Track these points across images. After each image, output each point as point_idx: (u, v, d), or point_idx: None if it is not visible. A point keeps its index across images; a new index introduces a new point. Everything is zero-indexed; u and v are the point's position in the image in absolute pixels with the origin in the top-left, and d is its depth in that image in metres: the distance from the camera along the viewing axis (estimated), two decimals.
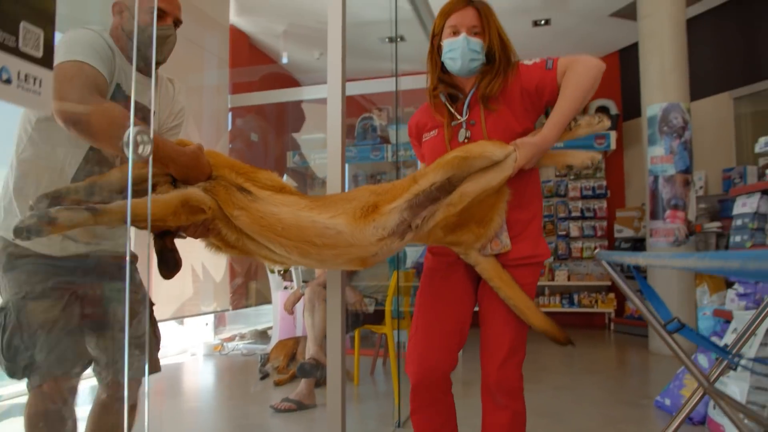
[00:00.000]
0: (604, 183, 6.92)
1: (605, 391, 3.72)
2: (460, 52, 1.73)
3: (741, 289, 3.11)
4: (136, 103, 1.70)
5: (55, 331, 1.58)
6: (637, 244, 6.31)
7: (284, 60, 6.64)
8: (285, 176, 6.14)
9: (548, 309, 6.61)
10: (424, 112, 1.93)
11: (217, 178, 1.53)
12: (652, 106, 4.88)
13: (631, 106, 6.57)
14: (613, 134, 6.33)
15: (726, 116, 5.71)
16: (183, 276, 4.53)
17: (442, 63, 1.81)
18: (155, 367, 1.83)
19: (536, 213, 1.82)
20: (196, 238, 1.54)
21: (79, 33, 1.53)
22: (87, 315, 1.72)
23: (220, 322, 5.86)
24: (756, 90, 5.48)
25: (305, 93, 6.16)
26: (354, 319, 3.52)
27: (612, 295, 6.65)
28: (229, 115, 5.38)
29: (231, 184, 1.53)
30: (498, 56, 1.75)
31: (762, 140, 3.24)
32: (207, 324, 5.52)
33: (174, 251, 1.53)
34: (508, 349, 1.74)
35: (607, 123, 1.75)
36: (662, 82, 4.84)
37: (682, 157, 4.80)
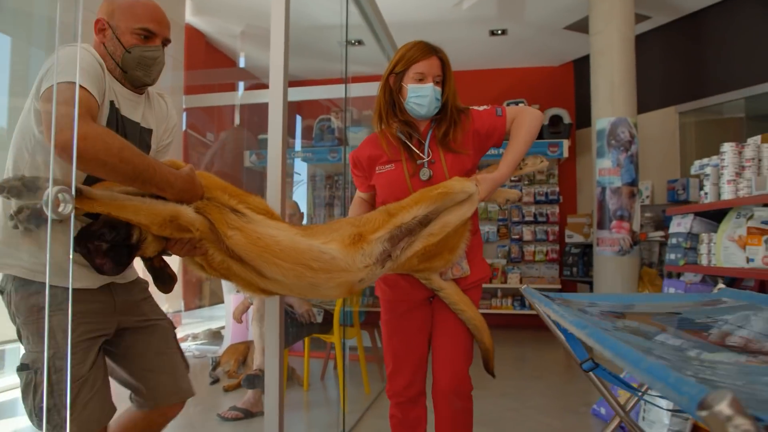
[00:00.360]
0: (557, 189, 7.10)
1: (548, 397, 3.85)
2: (428, 100, 1.89)
3: (672, 290, 3.27)
4: (135, 124, 1.65)
5: (88, 385, 1.53)
6: (586, 250, 6.50)
7: (242, 60, 6.58)
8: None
9: (500, 311, 6.76)
10: (374, 145, 2.03)
11: (210, 198, 1.53)
12: (601, 120, 5.04)
13: (584, 114, 6.75)
14: (566, 142, 6.49)
15: (672, 129, 5.94)
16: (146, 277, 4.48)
17: (396, 101, 1.95)
18: (190, 391, 1.81)
19: (480, 238, 2.06)
20: (181, 255, 1.53)
21: (72, 51, 1.43)
22: (120, 353, 1.69)
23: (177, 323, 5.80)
24: (700, 106, 5.71)
25: (260, 96, 6.13)
26: (303, 329, 3.55)
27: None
28: (184, 115, 5.33)
29: (224, 205, 1.53)
30: (450, 105, 1.94)
31: (697, 163, 3.39)
32: None
33: (164, 267, 1.57)
34: (464, 358, 1.98)
35: (546, 163, 2.03)
36: (611, 97, 4.99)
37: (629, 170, 4.97)
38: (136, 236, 1.43)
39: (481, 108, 2.00)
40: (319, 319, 3.56)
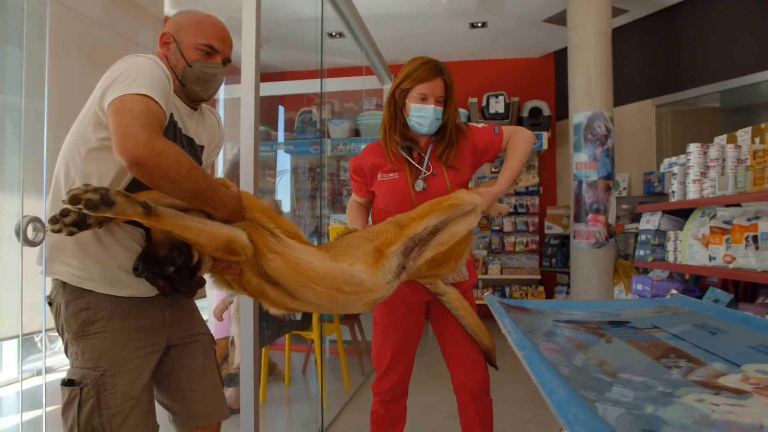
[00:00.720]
0: (537, 180, 7.18)
1: (522, 389, 3.94)
2: (429, 120, 2.02)
3: (640, 287, 3.37)
4: (191, 140, 1.64)
5: (138, 408, 1.49)
6: (565, 241, 6.60)
7: None
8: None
9: (480, 302, 6.84)
10: (377, 153, 2.14)
11: (250, 220, 1.56)
12: (578, 114, 5.10)
13: (564, 106, 6.80)
14: (545, 134, 6.56)
15: (649, 122, 6.02)
16: None
17: (400, 117, 2.08)
18: (226, 412, 1.76)
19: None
20: (214, 273, 1.54)
21: (143, 62, 1.41)
22: (163, 370, 1.64)
23: None
24: (676, 99, 5.80)
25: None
26: (282, 326, 3.61)
27: (542, 288, 6.94)
28: None
29: (263, 227, 1.57)
30: (450, 125, 2.07)
31: (666, 161, 3.47)
32: None
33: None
34: (480, 359, 2.13)
35: (537, 179, 2.19)
36: (588, 91, 5.05)
37: (605, 163, 5.05)
38: (196, 258, 1.43)
39: (480, 125, 2.16)
40: (298, 316, 3.62)
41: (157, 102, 1.35)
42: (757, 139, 2.90)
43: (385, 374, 2.19)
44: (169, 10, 5.70)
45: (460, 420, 2.23)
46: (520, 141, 2.11)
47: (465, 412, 2.19)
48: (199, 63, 1.57)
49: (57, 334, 1.55)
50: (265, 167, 6.46)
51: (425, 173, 2.07)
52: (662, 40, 5.87)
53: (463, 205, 1.89)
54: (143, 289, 1.50)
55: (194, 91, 1.59)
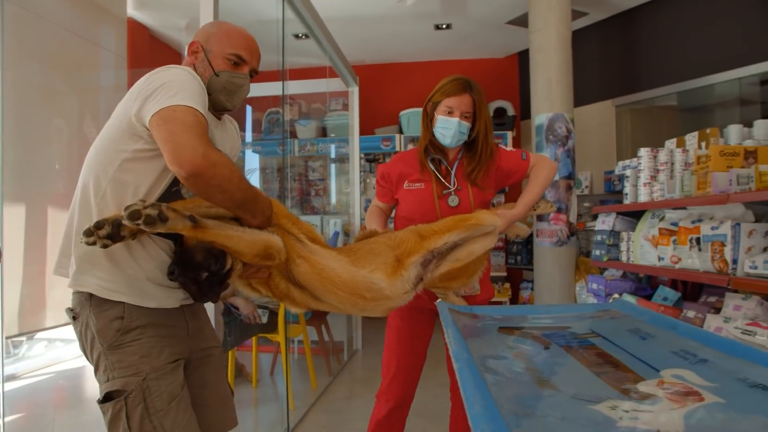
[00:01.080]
0: (554, 209, 7.29)
1: None
2: (452, 132, 2.11)
3: (595, 286, 3.49)
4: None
5: (182, 403, 1.49)
6: (530, 239, 6.73)
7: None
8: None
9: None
10: (406, 163, 2.25)
11: (277, 225, 1.59)
12: (540, 116, 5.22)
13: (528, 106, 6.93)
14: (510, 134, 6.68)
15: (609, 122, 6.18)
16: None
17: (431, 129, 2.17)
18: (235, 420, 1.77)
19: (489, 262, 2.28)
20: (242, 278, 1.56)
21: (183, 74, 1.42)
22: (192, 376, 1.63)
23: None
24: (635, 99, 5.96)
25: None
26: (248, 329, 3.65)
27: (508, 285, 7.08)
28: None
29: (288, 232, 1.61)
30: (481, 142, 2.15)
31: (620, 163, 3.59)
32: None
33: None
34: None
35: (555, 208, 2.40)
36: (549, 93, 5.17)
37: (566, 164, 5.18)
38: (229, 264, 1.45)
39: (509, 149, 2.25)
40: (265, 319, 3.66)
41: (202, 114, 1.36)
42: (703, 144, 3.03)
43: (394, 379, 2.25)
44: (132, 11, 5.66)
45: (450, 425, 2.33)
46: (543, 169, 2.20)
47: (457, 420, 2.28)
48: (227, 73, 1.57)
49: (81, 353, 1.53)
50: None
51: (451, 189, 2.15)
52: (621, 43, 6.03)
53: (484, 225, 1.94)
54: (169, 300, 1.51)
55: (220, 100, 1.59)
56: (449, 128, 2.11)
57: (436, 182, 2.17)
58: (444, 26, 6.22)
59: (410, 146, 6.70)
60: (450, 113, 2.11)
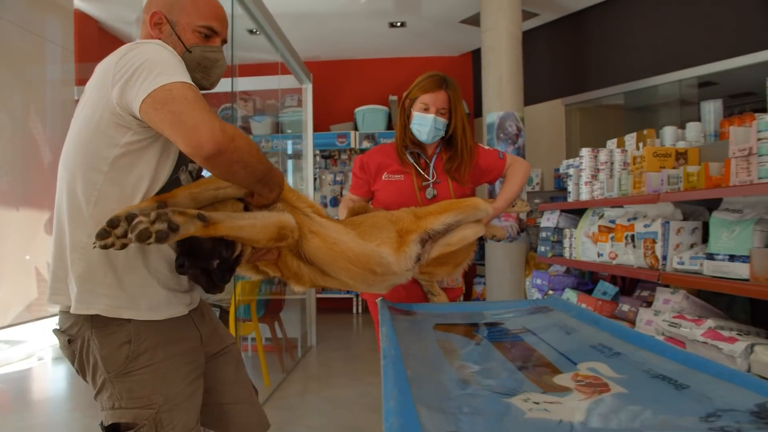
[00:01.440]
0: (529, 208, 7.39)
1: None
2: (428, 128, 2.14)
3: (539, 281, 3.60)
4: None
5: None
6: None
7: None
8: None
9: None
10: (386, 154, 2.26)
11: (284, 200, 1.49)
12: (491, 114, 5.32)
13: (480, 104, 7.06)
14: None
15: (559, 120, 6.35)
16: (26, 277, 4.37)
17: (407, 123, 2.20)
18: (267, 421, 1.69)
19: None
20: (250, 261, 1.46)
21: (160, 50, 1.24)
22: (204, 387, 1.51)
23: None
24: (584, 99, 6.14)
25: None
26: None
27: (461, 280, 7.19)
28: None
29: (295, 207, 1.52)
30: (459, 138, 2.18)
31: (564, 162, 3.70)
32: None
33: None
34: None
35: (529, 207, 2.42)
36: (500, 91, 5.28)
37: None
38: (239, 250, 1.36)
39: (486, 147, 2.32)
40: None
41: (197, 88, 1.20)
42: (641, 144, 3.16)
43: None
44: (79, 3, 5.52)
45: None
46: (520, 169, 2.27)
47: None
48: (200, 48, 1.41)
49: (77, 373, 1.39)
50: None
51: (431, 181, 2.18)
52: (571, 43, 6.20)
53: (479, 209, 1.96)
54: (178, 307, 1.40)
55: (195, 79, 1.37)
56: (425, 124, 2.13)
57: (416, 175, 2.19)
58: (398, 24, 6.27)
59: (366, 143, 6.74)
60: (426, 110, 2.13)
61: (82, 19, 5.63)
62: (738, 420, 0.81)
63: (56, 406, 3.99)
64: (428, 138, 2.16)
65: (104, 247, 1.17)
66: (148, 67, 1.18)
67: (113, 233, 1.17)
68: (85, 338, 1.30)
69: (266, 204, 1.40)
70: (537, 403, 0.98)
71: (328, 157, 7.32)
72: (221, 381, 1.56)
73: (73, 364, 1.37)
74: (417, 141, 2.21)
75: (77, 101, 4.82)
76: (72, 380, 4.64)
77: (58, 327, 1.37)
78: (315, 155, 6.62)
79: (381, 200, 2.25)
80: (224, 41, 1.48)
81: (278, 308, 4.79)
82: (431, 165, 2.21)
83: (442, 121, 2.15)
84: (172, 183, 1.36)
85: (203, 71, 1.43)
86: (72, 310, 1.28)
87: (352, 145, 6.83)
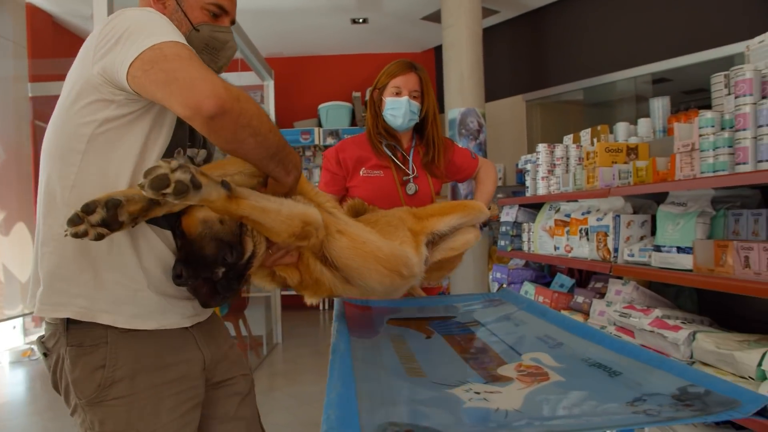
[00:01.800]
0: (499, 212, 7.45)
1: None
2: (402, 111, 2.05)
3: (499, 275, 3.67)
4: (199, 136, 1.30)
5: None
6: None
7: None
8: None
9: None
10: (360, 147, 2.14)
11: (301, 193, 1.30)
12: (452, 110, 5.38)
13: (443, 101, 7.13)
14: None
15: (520, 116, 6.45)
16: None
17: (380, 114, 2.10)
18: None
19: None
20: (266, 265, 1.26)
21: (147, 13, 1.10)
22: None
23: (32, 325, 5.56)
24: (544, 95, 6.25)
25: None
26: None
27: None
28: (30, 105, 5.03)
29: (315, 202, 1.32)
30: (430, 123, 2.12)
31: (522, 158, 3.77)
32: (15, 327, 5.22)
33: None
34: None
35: (499, 210, 2.30)
36: (461, 88, 5.34)
37: None
38: (249, 251, 1.15)
39: (461, 146, 2.29)
40: None
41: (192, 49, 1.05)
42: (595, 140, 3.24)
43: None
44: None
45: None
46: (492, 172, 2.26)
47: None
48: (208, 26, 1.27)
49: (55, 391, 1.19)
50: None
51: (411, 176, 2.09)
52: (531, 40, 6.30)
53: (482, 212, 1.87)
54: (174, 318, 1.18)
55: (203, 61, 1.16)
56: (399, 107, 2.04)
57: (396, 169, 2.10)
58: (360, 20, 6.29)
59: (330, 139, 6.73)
60: (398, 93, 2.05)
61: (35, 14, 5.49)
62: (660, 403, 0.85)
63: (14, 410, 3.91)
64: (403, 122, 2.06)
65: (75, 235, 0.99)
66: (136, 30, 1.04)
67: (87, 220, 0.99)
68: (59, 356, 1.13)
69: (284, 193, 1.21)
70: (478, 393, 1.02)
71: None
72: (214, 417, 1.34)
73: (50, 378, 1.19)
74: (391, 131, 2.12)
75: (32, 98, 4.73)
76: (30, 384, 4.55)
77: (42, 336, 1.20)
78: None
79: (359, 196, 2.10)
80: (233, 21, 1.35)
81: (243, 306, 4.77)
82: (410, 159, 2.12)
83: (416, 104, 2.06)
84: None
85: (211, 52, 1.29)
86: (36, 313, 1.12)
87: (316, 142, 6.82)
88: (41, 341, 1.18)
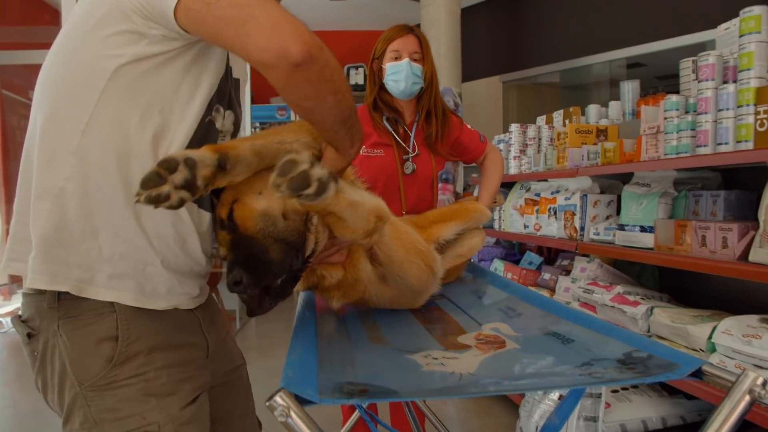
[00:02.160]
0: (503, 201, 7.46)
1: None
2: (404, 75, 1.91)
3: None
4: (229, 68, 1.06)
5: None
6: None
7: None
8: None
9: None
10: (363, 122, 1.98)
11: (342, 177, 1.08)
12: None
13: None
14: None
15: (496, 96, 6.49)
16: None
17: (382, 84, 1.97)
18: None
19: None
20: (315, 264, 1.13)
21: None
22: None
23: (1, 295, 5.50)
24: (521, 76, 6.28)
25: None
26: None
27: None
28: None
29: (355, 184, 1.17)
30: (434, 97, 1.98)
31: (496, 137, 3.81)
32: None
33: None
34: None
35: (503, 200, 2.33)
36: (438, 67, 5.30)
37: None
38: (310, 249, 1.00)
39: (469, 126, 2.15)
40: None
41: None
42: (567, 121, 3.29)
43: None
44: None
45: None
46: (498, 163, 2.12)
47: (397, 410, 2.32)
48: None
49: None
50: None
51: (411, 154, 1.98)
52: (508, 22, 6.31)
53: (485, 215, 1.78)
54: (181, 298, 1.01)
55: None
56: (400, 71, 1.91)
57: (397, 147, 1.97)
58: None
59: None
60: (397, 58, 1.92)
61: None
62: (606, 366, 0.90)
63: None
64: (407, 87, 1.92)
65: (156, 200, 0.78)
66: None
67: (170, 180, 0.79)
68: (49, 333, 0.92)
69: (341, 169, 1.02)
70: (436, 359, 1.05)
71: None
72: (226, 416, 1.19)
73: (33, 370, 0.97)
74: (392, 104, 1.99)
75: None
76: None
77: (20, 314, 0.98)
78: (254, 128, 6.54)
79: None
80: None
81: (215, 281, 4.76)
82: (412, 136, 1.99)
83: (418, 66, 1.92)
84: (207, 127, 0.97)
85: None
86: (28, 284, 0.90)
87: (293, 118, 6.78)
88: (22, 320, 0.96)
